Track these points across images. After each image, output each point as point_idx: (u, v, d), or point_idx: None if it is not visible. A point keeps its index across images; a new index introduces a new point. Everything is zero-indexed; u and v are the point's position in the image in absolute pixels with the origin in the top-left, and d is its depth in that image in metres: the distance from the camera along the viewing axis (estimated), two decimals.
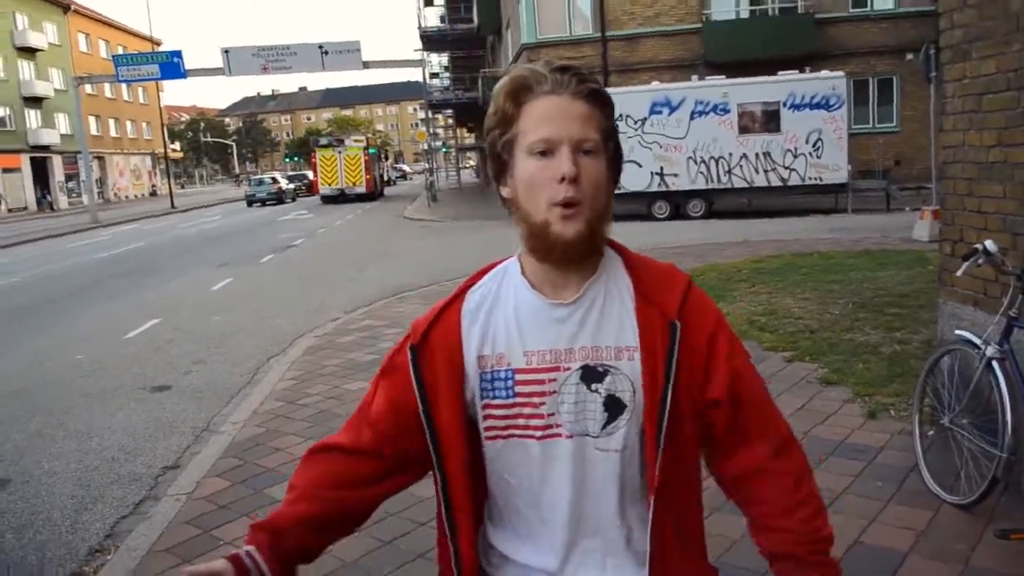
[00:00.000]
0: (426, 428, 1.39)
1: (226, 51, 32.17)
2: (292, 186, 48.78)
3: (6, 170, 50.28)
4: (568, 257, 1.32)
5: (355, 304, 11.06)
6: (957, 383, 4.06)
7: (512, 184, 1.35)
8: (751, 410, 1.41)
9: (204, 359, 8.58)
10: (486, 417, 1.40)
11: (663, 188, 20.11)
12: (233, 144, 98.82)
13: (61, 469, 5.59)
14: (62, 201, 55.35)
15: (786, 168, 19.69)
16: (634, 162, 19.78)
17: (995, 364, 3.68)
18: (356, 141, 44.03)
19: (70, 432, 6.35)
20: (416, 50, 45.14)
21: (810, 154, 19.49)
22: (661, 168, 20.02)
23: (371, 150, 44.32)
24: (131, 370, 8.26)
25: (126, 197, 64.50)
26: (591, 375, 1.36)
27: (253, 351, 8.78)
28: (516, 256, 1.44)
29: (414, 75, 53.03)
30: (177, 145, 77.03)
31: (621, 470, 1.37)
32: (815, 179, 19.56)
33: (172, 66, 31.75)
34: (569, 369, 1.36)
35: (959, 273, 3.65)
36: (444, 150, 64.05)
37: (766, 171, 19.79)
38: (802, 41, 23.95)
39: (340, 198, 41.05)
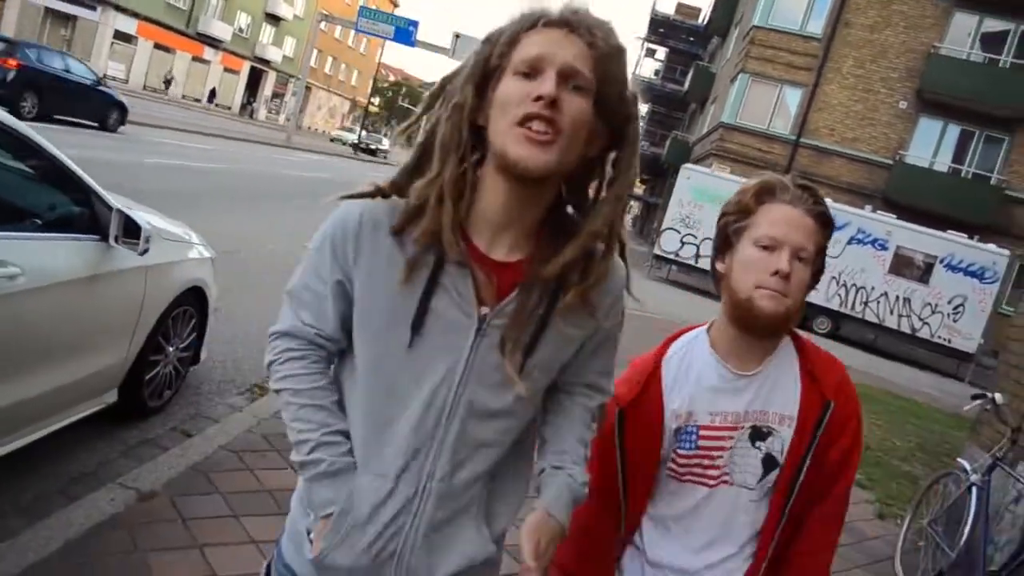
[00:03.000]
0: (620, 480, 1.71)
1: (457, 36, 34.37)
2: None
3: (227, 70, 54.75)
4: (765, 328, 1.61)
5: None
6: (945, 497, 5.09)
7: (729, 263, 1.64)
8: (823, 498, 1.69)
9: None
10: (672, 460, 1.69)
11: None
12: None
13: (255, 313, 7.14)
14: (261, 113, 59.77)
15: (920, 320, 20.06)
16: None
17: (974, 489, 4.70)
18: None
19: (261, 293, 7.93)
20: None
21: (948, 315, 19.81)
22: None
23: None
24: None
25: (315, 130, 68.78)
26: (757, 434, 1.63)
27: None
28: (705, 327, 1.73)
29: None
30: (376, 100, 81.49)
31: (755, 515, 1.68)
32: (944, 339, 19.86)
33: (406, 32, 34.09)
34: (743, 428, 1.64)
35: (966, 408, 4.72)
36: None
37: (901, 315, 20.21)
38: (983, 210, 23.99)
39: None
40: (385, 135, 63.14)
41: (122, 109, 20.13)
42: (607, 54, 1.24)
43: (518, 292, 1.29)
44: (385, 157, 52.16)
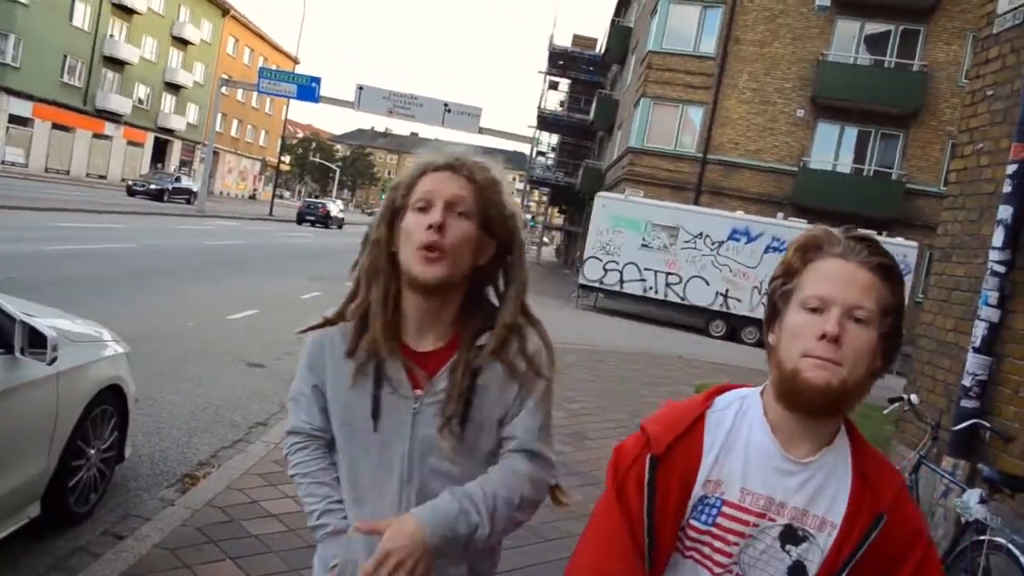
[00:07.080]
0: (646, 543, 1.41)
1: (360, 88, 34.47)
2: None
3: (131, 143, 53.83)
4: (817, 407, 1.34)
5: None
6: None
7: (777, 332, 1.39)
8: None
9: (292, 352, 10.03)
10: (683, 531, 1.43)
11: (724, 309, 21.24)
12: (337, 169, 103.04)
13: (178, 402, 7.01)
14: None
15: None
16: (702, 279, 21.04)
17: None
18: None
19: (184, 378, 7.79)
20: (530, 127, 47.51)
21: None
22: (727, 290, 21.18)
23: None
24: (232, 345, 9.76)
25: (227, 194, 67.90)
26: (790, 536, 1.37)
27: None
28: (759, 391, 1.47)
29: (521, 147, 54.70)
30: (286, 158, 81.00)
31: None
32: None
33: (309, 90, 34.14)
34: (774, 521, 1.38)
35: (885, 412, 4.87)
36: (532, 224, 66.17)
37: None
38: (889, 205, 24.99)
39: None
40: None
41: (330, 217, 47.54)
42: (485, 185, 1.64)
43: (448, 373, 1.65)
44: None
